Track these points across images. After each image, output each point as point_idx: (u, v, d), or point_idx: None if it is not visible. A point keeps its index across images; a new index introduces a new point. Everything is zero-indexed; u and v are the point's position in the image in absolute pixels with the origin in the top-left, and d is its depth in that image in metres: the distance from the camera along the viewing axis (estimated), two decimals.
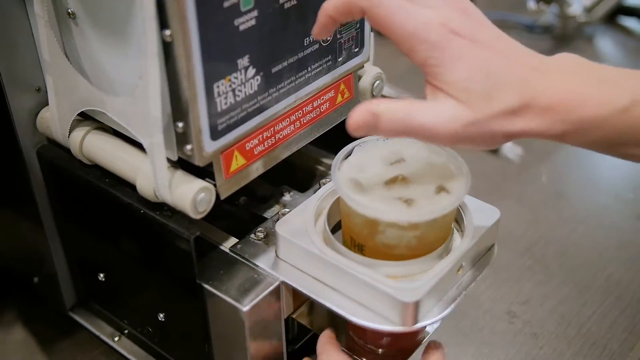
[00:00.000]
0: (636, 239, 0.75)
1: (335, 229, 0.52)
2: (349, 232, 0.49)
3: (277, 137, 0.51)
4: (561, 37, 1.17)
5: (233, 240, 0.53)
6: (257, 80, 0.47)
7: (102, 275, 0.58)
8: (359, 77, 0.57)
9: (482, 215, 0.51)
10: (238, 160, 0.49)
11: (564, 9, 1.15)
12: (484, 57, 0.42)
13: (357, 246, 0.48)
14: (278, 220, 0.51)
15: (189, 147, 0.46)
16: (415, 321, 0.45)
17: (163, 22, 0.42)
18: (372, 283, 0.45)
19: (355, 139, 0.49)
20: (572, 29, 1.17)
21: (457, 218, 0.51)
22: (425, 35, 0.42)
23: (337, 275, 0.47)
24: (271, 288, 0.49)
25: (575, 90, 0.41)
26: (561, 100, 0.41)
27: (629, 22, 1.21)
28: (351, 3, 0.43)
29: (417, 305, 0.45)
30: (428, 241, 0.47)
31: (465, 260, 0.48)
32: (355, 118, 0.42)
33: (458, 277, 0.48)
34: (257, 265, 0.50)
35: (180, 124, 0.45)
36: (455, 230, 0.51)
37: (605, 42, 1.16)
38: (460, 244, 0.49)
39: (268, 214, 0.55)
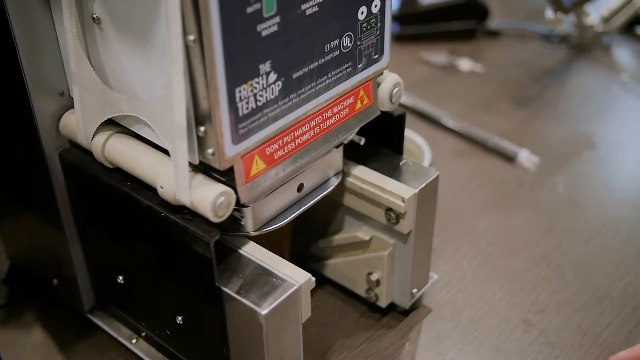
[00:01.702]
0: None
1: None
2: None
3: (296, 143, 0.52)
4: (578, 46, 1.17)
5: (252, 244, 0.53)
6: (279, 85, 0.48)
7: (120, 277, 0.59)
8: (378, 84, 0.57)
9: None
10: (258, 165, 0.49)
11: (582, 19, 1.15)
12: None
13: None
14: None
15: (210, 151, 0.46)
16: (255, 227, 0.53)
17: (186, 28, 0.42)
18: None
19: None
20: (590, 39, 1.17)
21: None
22: None
23: None
24: (290, 292, 0.49)
25: None
26: None
27: None
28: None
29: (252, 211, 0.52)
30: None
31: (304, 180, 0.55)
32: None
33: (299, 195, 0.56)
34: (276, 269, 0.51)
35: (201, 128, 0.46)
36: None
37: (623, 52, 1.16)
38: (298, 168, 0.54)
39: None
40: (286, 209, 0.56)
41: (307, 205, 0.56)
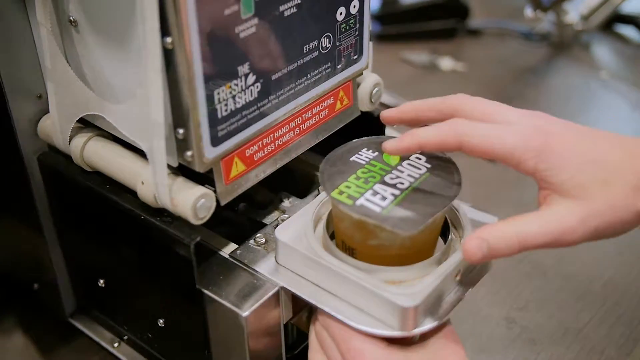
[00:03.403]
0: (634, 245, 0.75)
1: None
2: (341, 236, 0.49)
3: (276, 144, 0.52)
4: (558, 45, 1.17)
5: (233, 246, 0.53)
6: (257, 87, 0.48)
7: (101, 281, 0.59)
8: (358, 85, 0.57)
9: (480, 222, 0.51)
10: (238, 167, 0.49)
11: (561, 17, 1.16)
12: (585, 148, 0.44)
13: (348, 249, 0.49)
14: (277, 225, 0.51)
15: (189, 153, 0.46)
16: (415, 326, 0.45)
17: (164, 30, 0.42)
18: (371, 288, 0.45)
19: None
20: (569, 37, 1.18)
21: (457, 225, 0.52)
22: (528, 144, 0.44)
23: (336, 280, 0.47)
24: (271, 293, 0.49)
25: None
26: None
27: (625, 30, 1.22)
28: (444, 141, 0.46)
29: (416, 310, 0.45)
30: (420, 243, 0.48)
31: (463, 266, 0.49)
32: (468, 248, 0.43)
33: (456, 282, 0.49)
34: (256, 271, 0.50)
35: (180, 131, 0.45)
36: (454, 237, 0.52)
37: (602, 50, 1.17)
38: (459, 250, 0.48)
39: (267, 220, 0.56)
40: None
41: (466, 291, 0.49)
